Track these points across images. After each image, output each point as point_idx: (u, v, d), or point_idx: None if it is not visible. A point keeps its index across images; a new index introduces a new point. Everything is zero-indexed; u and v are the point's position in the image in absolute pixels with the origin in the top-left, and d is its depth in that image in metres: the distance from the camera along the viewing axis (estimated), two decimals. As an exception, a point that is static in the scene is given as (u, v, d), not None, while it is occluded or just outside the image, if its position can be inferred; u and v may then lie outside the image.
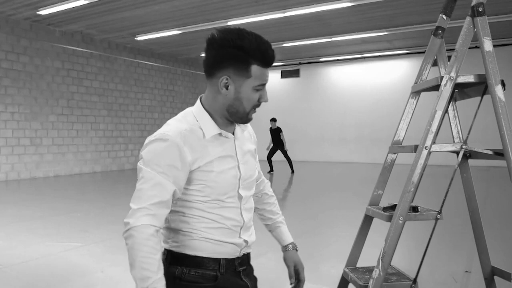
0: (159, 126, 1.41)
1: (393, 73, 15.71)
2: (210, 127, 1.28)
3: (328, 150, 16.90)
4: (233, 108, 1.27)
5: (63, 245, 4.52)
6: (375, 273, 1.85)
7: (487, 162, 11.88)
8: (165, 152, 1.19)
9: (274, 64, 1.28)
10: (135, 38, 12.54)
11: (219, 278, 1.30)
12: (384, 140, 14.85)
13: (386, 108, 15.47)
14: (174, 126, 1.25)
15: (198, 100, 1.34)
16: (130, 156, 14.05)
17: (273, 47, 1.25)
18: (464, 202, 2.26)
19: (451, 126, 2.27)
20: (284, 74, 17.89)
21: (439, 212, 1.95)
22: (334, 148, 16.80)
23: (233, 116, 1.29)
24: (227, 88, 1.24)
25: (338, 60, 16.66)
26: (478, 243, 2.20)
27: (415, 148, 1.90)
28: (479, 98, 1.97)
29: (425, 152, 1.86)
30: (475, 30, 1.84)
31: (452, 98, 2.17)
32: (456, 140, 2.24)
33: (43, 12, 9.79)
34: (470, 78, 1.88)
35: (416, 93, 2.24)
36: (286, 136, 13.77)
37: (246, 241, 1.36)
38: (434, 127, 1.86)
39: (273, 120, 12.40)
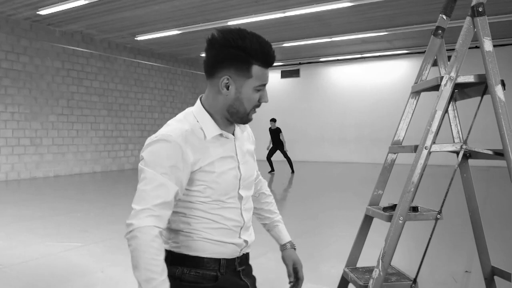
0: (159, 126, 1.41)
1: (393, 73, 15.71)
2: (211, 127, 1.28)
3: (328, 150, 16.91)
4: (234, 108, 1.27)
5: (63, 245, 4.52)
6: (375, 273, 1.85)
7: (487, 162, 11.88)
8: (168, 153, 1.19)
9: (274, 64, 1.28)
10: (135, 38, 12.55)
11: (220, 278, 1.31)
12: (384, 140, 14.86)
13: (386, 108, 15.47)
14: (175, 126, 1.24)
15: (198, 100, 1.33)
16: (130, 156, 14.05)
17: (273, 47, 1.25)
18: (464, 202, 2.26)
19: (451, 126, 2.27)
20: (284, 74, 17.89)
21: (439, 212, 1.95)
22: (334, 148, 16.80)
23: (233, 116, 1.29)
24: (227, 88, 1.24)
25: (338, 60, 16.67)
26: (478, 243, 2.20)
27: (415, 148, 1.90)
28: (479, 98, 1.97)
29: (425, 152, 1.86)
30: (475, 30, 1.84)
31: (452, 98, 2.17)
32: (456, 140, 2.24)
33: (43, 12, 9.79)
34: (470, 78, 1.88)
35: (416, 93, 2.24)
36: (286, 136, 13.76)
37: (246, 241, 1.37)
38: (434, 127, 1.86)
39: (273, 120, 12.40)
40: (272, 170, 12.31)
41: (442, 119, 1.87)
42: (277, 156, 12.71)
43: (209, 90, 1.30)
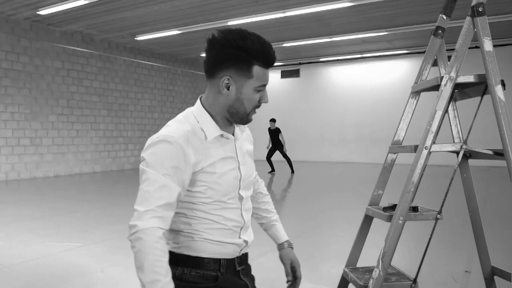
0: (159, 126, 1.41)
1: (393, 73, 15.71)
2: (212, 128, 1.28)
3: (328, 150, 16.91)
4: (234, 109, 1.26)
5: (63, 245, 4.52)
6: (375, 273, 1.85)
7: (487, 162, 11.89)
8: (170, 154, 1.18)
9: (274, 64, 1.28)
10: (135, 38, 12.55)
11: (220, 278, 1.31)
12: (384, 140, 14.86)
13: (386, 108, 15.47)
14: (176, 127, 1.24)
15: (198, 101, 1.33)
16: (130, 156, 14.05)
17: (273, 47, 1.25)
18: (464, 202, 2.26)
19: (451, 126, 2.27)
20: (284, 74, 17.89)
21: (439, 212, 1.95)
22: (334, 148, 16.80)
23: (233, 117, 1.29)
24: (228, 89, 1.24)
25: (338, 60, 16.67)
26: (478, 243, 2.20)
27: (415, 148, 1.90)
28: (479, 98, 1.97)
29: (425, 152, 1.86)
30: (475, 30, 1.84)
31: (452, 98, 2.17)
32: (456, 140, 2.24)
33: (43, 12, 9.79)
34: (470, 78, 1.88)
35: (416, 93, 2.24)
36: (286, 136, 13.76)
37: (245, 241, 1.37)
38: (434, 127, 1.86)
39: (273, 120, 12.39)
40: (273, 170, 12.31)
41: (442, 119, 1.87)
42: (277, 156, 12.72)
43: (209, 90, 1.30)
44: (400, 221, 1.84)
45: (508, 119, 1.78)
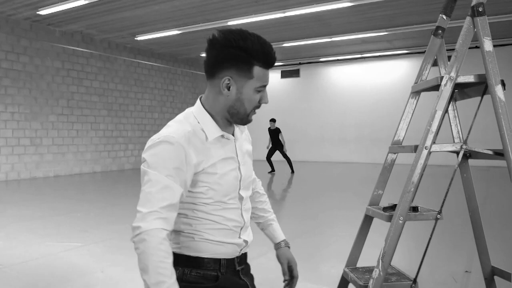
0: (159, 126, 1.41)
1: (393, 73, 15.71)
2: (212, 129, 1.28)
3: (328, 150, 16.91)
4: (234, 109, 1.26)
5: (63, 245, 4.52)
6: (375, 273, 1.85)
7: (487, 162, 11.89)
8: (172, 155, 1.18)
9: (274, 64, 1.28)
10: (135, 38, 12.55)
11: (220, 278, 1.31)
12: (384, 140, 14.86)
13: (386, 108, 15.47)
14: (177, 128, 1.23)
15: (198, 101, 1.33)
16: (130, 156, 14.05)
17: (273, 47, 1.25)
18: (464, 202, 2.26)
19: (451, 126, 2.27)
20: (284, 74, 17.89)
21: (439, 212, 1.95)
22: (334, 148, 16.80)
23: (233, 117, 1.29)
24: (228, 89, 1.24)
25: (338, 60, 16.67)
26: (478, 243, 2.20)
27: (415, 148, 1.90)
28: (479, 98, 1.97)
29: (425, 152, 1.86)
30: (475, 30, 1.84)
31: (452, 98, 2.17)
32: (456, 140, 2.24)
33: (43, 12, 9.79)
34: (470, 78, 1.88)
35: (416, 93, 2.24)
36: (286, 136, 13.76)
37: (245, 241, 1.38)
38: (434, 127, 1.86)
39: (273, 120, 12.37)
40: (273, 170, 12.31)
41: (442, 119, 1.87)
42: (277, 156, 12.71)
43: (209, 91, 1.30)
44: (400, 221, 1.84)
45: (508, 119, 1.78)
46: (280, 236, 1.59)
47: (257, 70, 1.22)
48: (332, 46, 14.31)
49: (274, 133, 12.27)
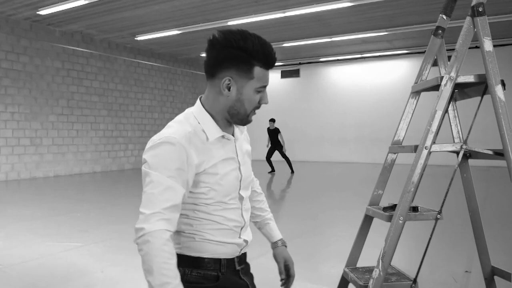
0: (159, 126, 1.40)
1: (393, 73, 15.71)
2: (213, 129, 1.27)
3: (328, 150, 16.90)
4: (234, 110, 1.26)
5: (63, 245, 4.52)
6: (375, 273, 1.85)
7: (487, 162, 11.89)
8: (173, 156, 1.18)
9: (274, 65, 1.28)
10: (135, 38, 12.55)
11: (221, 278, 1.31)
12: (384, 140, 14.86)
13: (386, 108, 15.47)
14: (177, 128, 1.23)
15: (198, 101, 1.33)
16: (130, 156, 14.05)
17: (273, 48, 1.25)
18: (464, 202, 2.26)
19: (451, 126, 2.27)
20: (284, 74, 17.89)
21: (439, 212, 1.95)
22: (334, 148, 16.80)
23: (233, 118, 1.29)
24: (229, 89, 1.23)
25: (338, 60, 16.67)
26: (478, 243, 2.20)
27: (415, 148, 1.90)
28: (479, 98, 1.97)
29: (425, 152, 1.86)
30: (475, 30, 1.84)
31: (452, 98, 2.17)
32: (456, 140, 2.24)
33: (43, 12, 9.79)
34: (470, 78, 1.88)
35: (416, 93, 2.24)
36: (286, 136, 13.75)
37: (246, 241, 1.38)
38: (434, 127, 1.86)
39: (272, 120, 12.36)
40: (273, 170, 12.30)
41: (442, 119, 1.87)
42: (277, 156, 12.71)
43: (209, 91, 1.30)
44: (400, 221, 1.84)
45: (508, 119, 1.78)
46: (277, 235, 1.59)
47: (257, 70, 1.22)
48: (332, 46, 14.31)
49: (274, 133, 12.26)
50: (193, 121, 1.27)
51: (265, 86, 1.26)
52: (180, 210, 1.21)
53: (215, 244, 1.30)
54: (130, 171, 13.23)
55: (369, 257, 2.67)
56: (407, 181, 1.86)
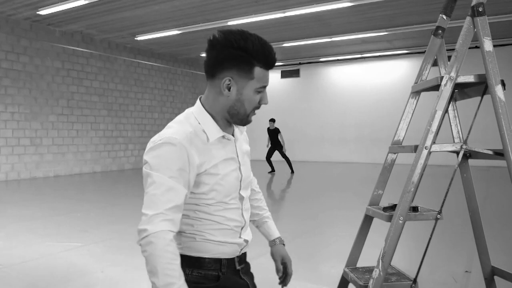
0: (159, 126, 1.40)
1: (393, 73, 15.71)
2: (213, 130, 1.28)
3: (328, 150, 16.90)
4: (234, 110, 1.26)
5: (63, 245, 4.52)
6: (375, 273, 1.85)
7: (487, 162, 11.89)
8: (175, 156, 1.18)
9: (274, 65, 1.28)
10: (135, 38, 12.55)
11: (221, 278, 1.32)
12: (384, 140, 14.86)
13: (386, 108, 15.47)
14: (178, 129, 1.23)
15: (198, 101, 1.33)
16: (130, 156, 14.05)
17: (273, 47, 1.25)
18: (464, 202, 2.26)
19: (451, 126, 2.27)
20: (284, 74, 17.89)
21: (439, 212, 1.95)
22: (334, 148, 16.80)
23: (233, 118, 1.29)
24: (229, 90, 1.24)
25: (338, 60, 16.66)
26: (478, 243, 2.20)
27: (415, 148, 1.90)
28: (479, 98, 1.97)
29: (425, 152, 1.86)
30: (475, 30, 1.84)
31: (452, 98, 2.17)
32: (456, 140, 2.24)
33: (43, 12, 9.79)
34: (470, 78, 1.88)
35: (416, 93, 2.24)
36: (286, 136, 13.74)
37: (246, 241, 1.38)
38: (434, 127, 1.86)
39: (272, 120, 12.35)
40: (273, 170, 12.30)
41: (442, 119, 1.87)
42: (276, 156, 12.71)
43: (209, 91, 1.30)
44: (400, 221, 1.84)
45: (508, 119, 1.78)
46: (275, 233, 1.59)
47: (257, 70, 1.22)
48: (332, 46, 14.31)
49: (273, 133, 12.25)
50: (193, 121, 1.27)
51: (265, 87, 1.26)
52: (182, 210, 1.21)
53: (216, 244, 1.30)
54: (130, 171, 13.23)
55: (369, 257, 2.67)
56: (407, 181, 1.86)
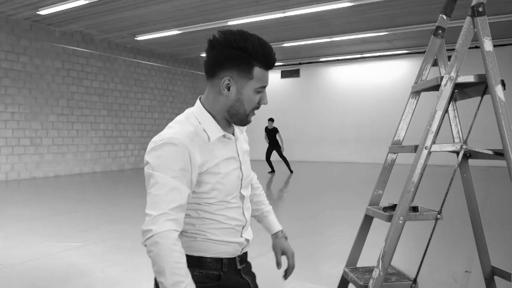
0: (159, 126, 1.40)
1: (393, 73, 15.71)
2: (214, 129, 1.28)
3: (328, 150, 16.90)
4: (234, 110, 1.27)
5: (63, 245, 4.52)
6: (375, 273, 1.85)
7: (487, 162, 11.89)
8: (177, 156, 1.18)
9: (274, 66, 1.28)
10: (135, 38, 12.55)
11: (222, 277, 1.32)
12: (384, 140, 14.86)
13: (386, 108, 15.47)
14: (179, 129, 1.23)
15: (198, 101, 1.33)
16: (130, 156, 14.05)
17: (273, 47, 1.25)
18: (464, 202, 2.26)
19: (451, 126, 2.27)
20: (284, 74, 17.89)
21: (439, 212, 1.95)
22: (334, 148, 16.80)
23: (233, 118, 1.29)
24: (229, 89, 1.24)
25: (338, 60, 16.66)
26: (478, 243, 2.20)
27: (415, 148, 1.90)
28: (479, 98, 1.97)
29: (425, 152, 1.86)
30: (475, 30, 1.84)
31: (452, 98, 2.17)
32: (456, 140, 2.24)
33: (43, 12, 9.79)
34: (470, 78, 1.88)
35: (416, 93, 2.24)
36: (285, 136, 13.72)
37: (247, 240, 1.39)
38: (434, 127, 1.86)
39: (271, 120, 12.32)
40: (272, 170, 12.28)
41: (442, 119, 1.87)
42: (275, 156, 12.69)
43: (209, 91, 1.30)
44: (400, 221, 1.84)
45: (508, 119, 1.78)
46: (277, 226, 1.60)
47: (257, 71, 1.22)
48: (332, 46, 14.31)
49: (272, 133, 12.21)
50: (194, 121, 1.27)
51: (264, 87, 1.27)
52: (185, 210, 1.21)
53: (217, 244, 1.30)
54: (130, 171, 13.23)
55: (369, 257, 2.67)
56: (407, 181, 1.86)
